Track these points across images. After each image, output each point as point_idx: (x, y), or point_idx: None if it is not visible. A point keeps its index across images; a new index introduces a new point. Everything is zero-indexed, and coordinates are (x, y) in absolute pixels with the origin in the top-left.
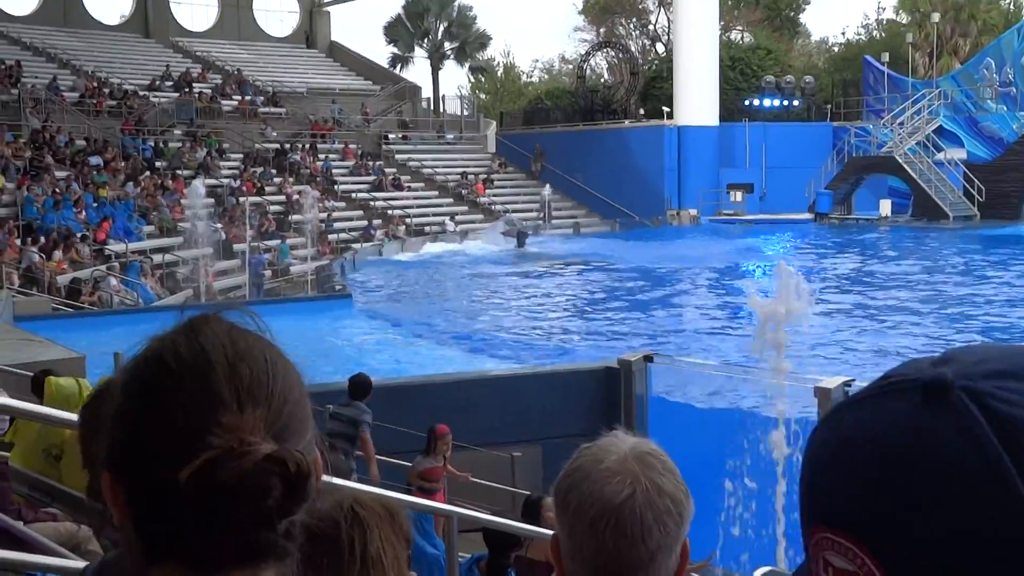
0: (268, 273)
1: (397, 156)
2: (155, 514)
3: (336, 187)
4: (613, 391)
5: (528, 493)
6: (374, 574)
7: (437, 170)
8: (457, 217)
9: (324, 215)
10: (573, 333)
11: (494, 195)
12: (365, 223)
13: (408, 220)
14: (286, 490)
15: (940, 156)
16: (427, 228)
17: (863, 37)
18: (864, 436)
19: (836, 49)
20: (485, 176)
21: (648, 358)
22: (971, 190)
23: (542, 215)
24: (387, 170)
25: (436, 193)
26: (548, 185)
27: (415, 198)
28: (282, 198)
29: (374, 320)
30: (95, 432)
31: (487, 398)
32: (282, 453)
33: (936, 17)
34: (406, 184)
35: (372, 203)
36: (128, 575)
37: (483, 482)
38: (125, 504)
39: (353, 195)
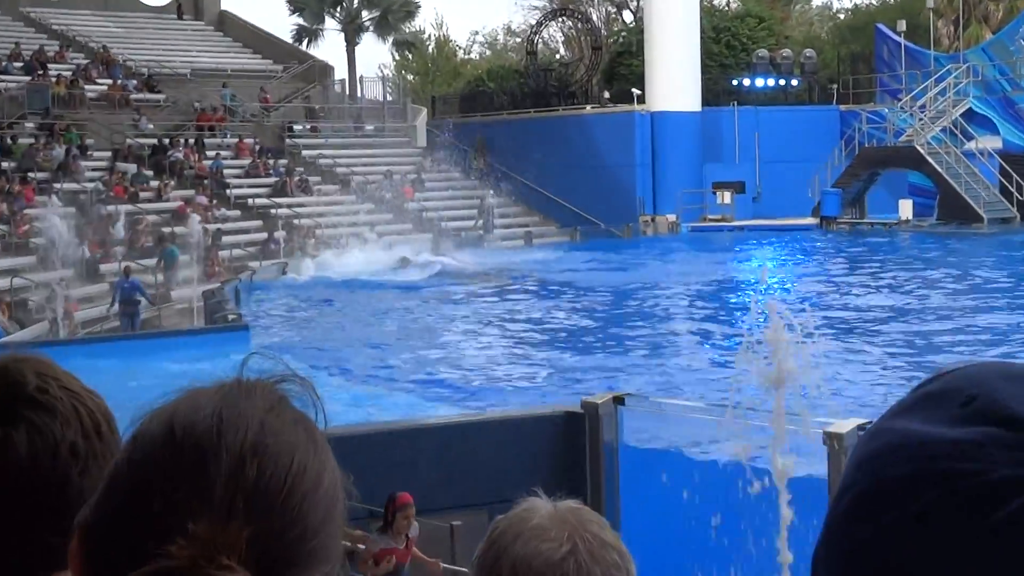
0: (145, 300)
1: (304, 152)
2: None
3: (228, 192)
4: (575, 440)
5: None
6: None
7: (354, 169)
8: (379, 228)
9: (214, 227)
10: (525, 370)
11: (425, 200)
12: (264, 236)
13: (318, 232)
14: None
15: (970, 146)
16: (342, 241)
17: (874, 1)
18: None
19: (842, 17)
20: (414, 176)
21: (619, 399)
22: (1008, 186)
23: (484, 222)
24: (292, 170)
25: (353, 198)
26: (490, 188)
27: (327, 204)
28: (161, 206)
29: (277, 356)
30: None
31: (420, 453)
32: None
33: None
34: (316, 187)
35: (273, 211)
36: None
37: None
38: (80, 572)
39: (249, 202)
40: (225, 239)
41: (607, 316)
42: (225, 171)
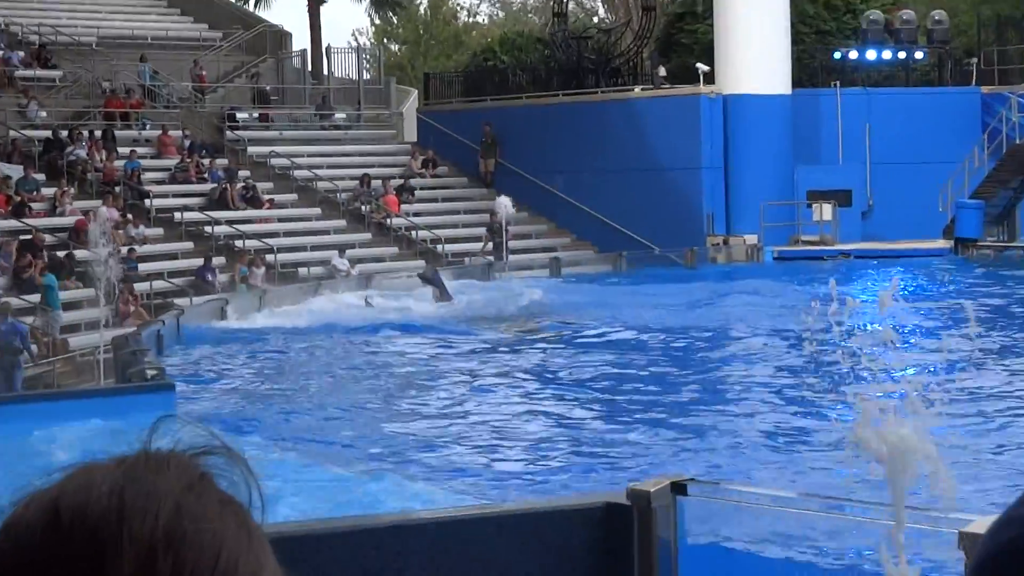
0: (30, 351)
1: (251, 150)
2: None
3: (148, 202)
4: (618, 540)
5: None
6: None
7: (318, 173)
8: (352, 251)
9: (127, 249)
10: (551, 448)
11: (415, 213)
12: (200, 264)
13: (270, 258)
14: None
15: None
16: (303, 270)
17: None
18: None
19: None
20: (400, 182)
21: (678, 486)
22: None
23: (494, 244)
24: (235, 173)
25: (318, 211)
26: (504, 196)
27: (282, 220)
28: (56, 221)
29: (214, 426)
30: None
31: (408, 556)
32: None
33: None
34: (267, 196)
35: (209, 230)
36: None
37: None
38: None
39: (176, 216)
40: (143, 267)
41: (658, 376)
42: (143, 175)
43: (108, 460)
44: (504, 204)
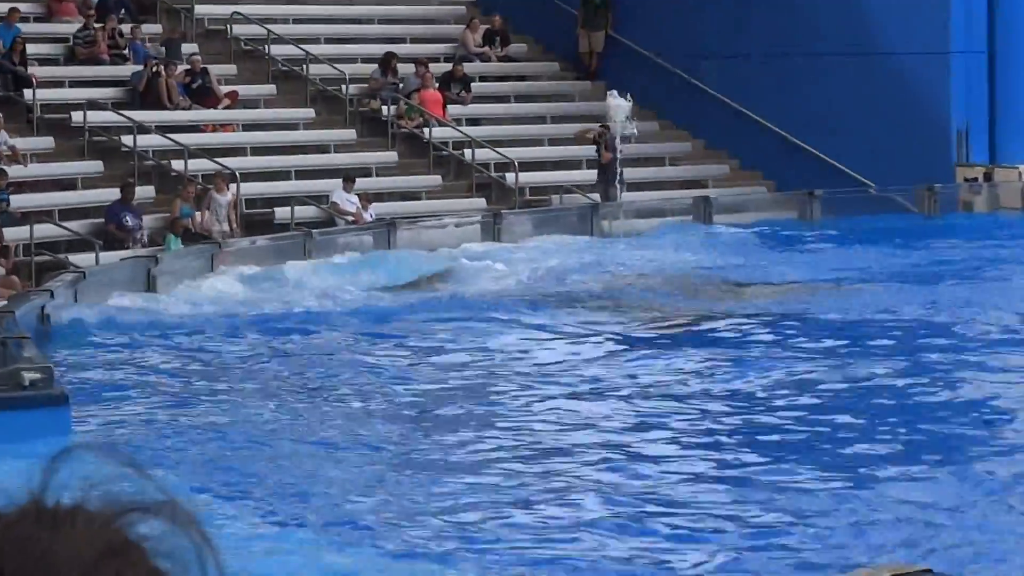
0: None
1: (201, 10)
2: None
3: (28, 94)
4: None
5: None
6: None
7: (311, 49)
8: (365, 181)
9: None
10: (702, 517)
11: (472, 120)
12: (113, 198)
13: (226, 189)
14: None
15: None
16: (282, 212)
17: None
18: None
19: None
20: (448, 67)
21: None
22: None
23: (606, 172)
24: (177, 48)
25: (311, 113)
26: (617, 94)
27: (250, 128)
28: None
29: (125, 455)
30: None
31: None
32: None
33: None
34: (225, 88)
35: (130, 141)
36: None
37: None
38: None
39: (75, 118)
40: (18, 202)
41: (858, 397)
42: (25, 48)
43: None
44: (620, 107)
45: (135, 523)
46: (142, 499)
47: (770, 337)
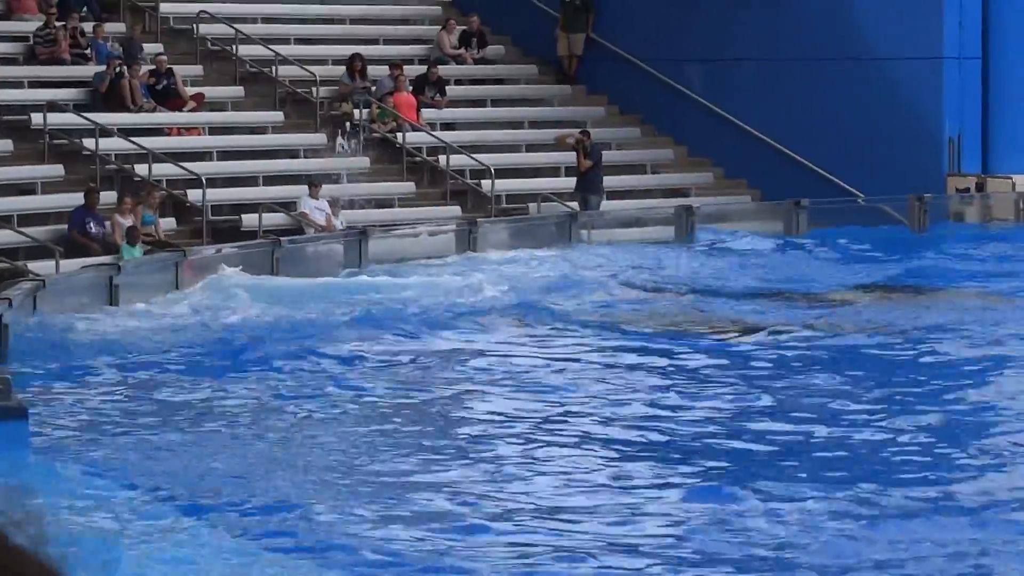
0: None
1: (167, 8)
2: None
3: None
4: None
5: None
6: None
7: (280, 50)
8: (333, 188)
9: None
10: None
11: (447, 125)
12: (75, 204)
13: (195, 196)
14: None
15: None
16: (250, 219)
17: None
18: None
19: None
20: (423, 70)
21: None
22: None
23: (585, 179)
24: (140, 48)
25: (279, 117)
26: (598, 99)
27: (216, 131)
28: None
29: (98, 480)
30: None
31: None
32: None
33: None
34: (191, 89)
35: (92, 144)
36: None
37: None
38: None
39: (35, 120)
40: None
41: (838, 415)
42: None
43: None
44: (599, 112)
45: None
46: None
47: (748, 351)
